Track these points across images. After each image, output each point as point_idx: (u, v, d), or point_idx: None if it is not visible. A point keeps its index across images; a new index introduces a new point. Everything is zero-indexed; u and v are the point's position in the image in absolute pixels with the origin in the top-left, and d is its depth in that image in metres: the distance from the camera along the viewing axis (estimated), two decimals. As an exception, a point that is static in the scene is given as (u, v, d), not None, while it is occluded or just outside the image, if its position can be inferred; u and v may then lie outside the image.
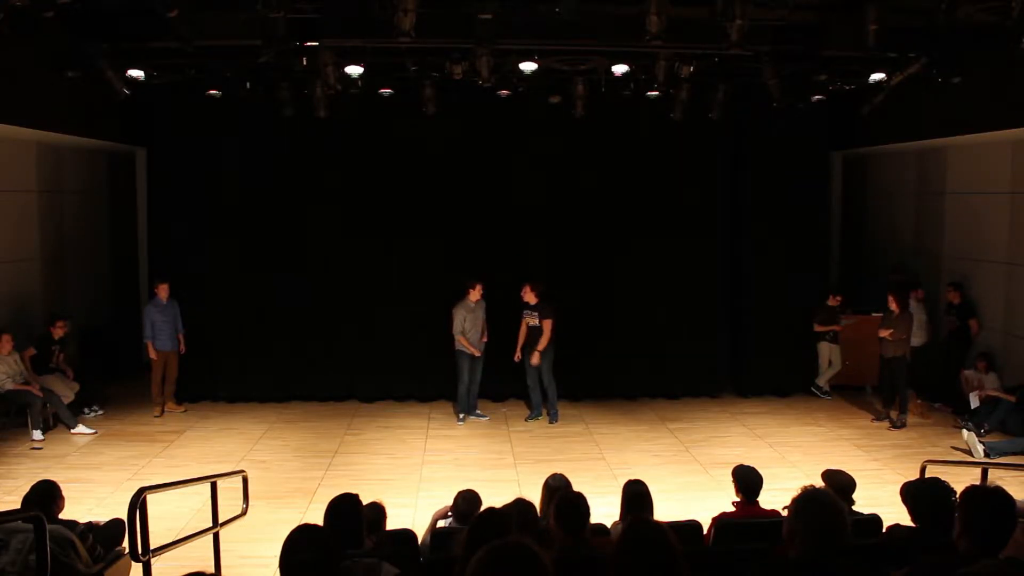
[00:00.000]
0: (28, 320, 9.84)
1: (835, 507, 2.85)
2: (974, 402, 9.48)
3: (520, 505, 4.23)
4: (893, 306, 9.80)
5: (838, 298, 11.07)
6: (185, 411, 10.31)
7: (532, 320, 9.85)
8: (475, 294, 9.90)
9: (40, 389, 9.16)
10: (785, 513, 2.97)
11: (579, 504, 3.84)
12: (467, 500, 5.12)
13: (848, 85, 9.42)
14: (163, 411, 10.17)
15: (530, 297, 9.78)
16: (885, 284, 10.82)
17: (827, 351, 11.12)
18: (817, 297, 11.18)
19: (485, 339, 10.11)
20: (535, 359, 9.83)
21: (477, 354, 10.02)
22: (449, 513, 5.28)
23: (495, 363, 10.35)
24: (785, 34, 8.03)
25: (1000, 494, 3.14)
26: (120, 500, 6.58)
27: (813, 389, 11.25)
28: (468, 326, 9.91)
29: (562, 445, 9.26)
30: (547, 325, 9.76)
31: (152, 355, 10.01)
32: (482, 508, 4.43)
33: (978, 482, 5.09)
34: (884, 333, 9.77)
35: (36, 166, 10.36)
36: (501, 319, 10.20)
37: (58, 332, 9.62)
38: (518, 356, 10.02)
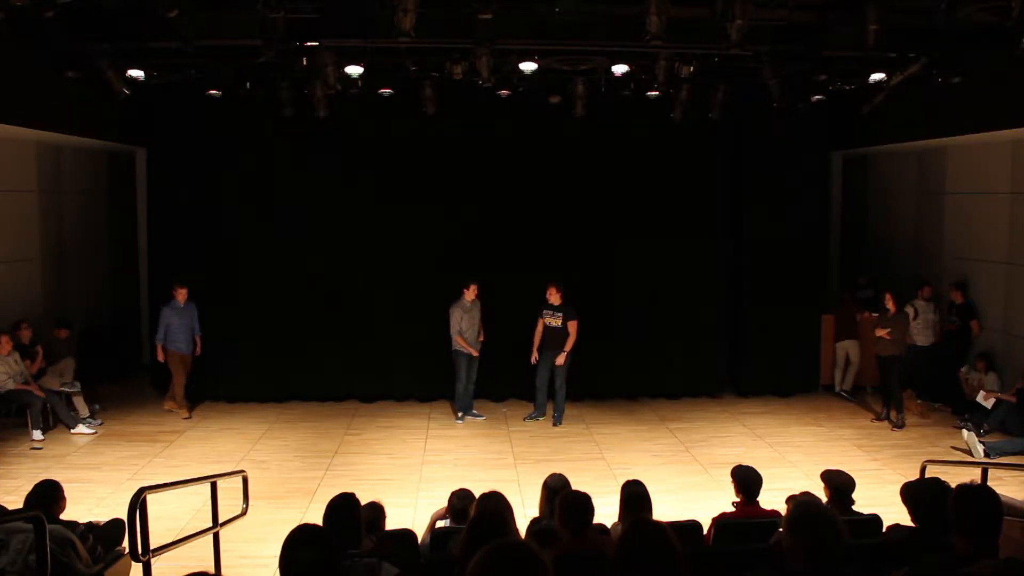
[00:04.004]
0: (28, 320, 9.80)
1: (829, 518, 2.86)
2: (987, 403, 9.38)
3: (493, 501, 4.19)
4: (890, 305, 9.82)
5: (846, 295, 11.18)
6: (189, 417, 10.20)
7: (554, 321, 9.83)
8: (470, 294, 9.90)
9: (40, 389, 9.16)
10: (781, 530, 2.98)
11: (583, 502, 3.85)
12: (461, 497, 5.13)
13: (848, 85, 9.41)
14: (190, 413, 10.15)
15: (554, 298, 9.76)
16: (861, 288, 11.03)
17: (856, 349, 11.14)
18: (823, 297, 11.27)
19: (482, 338, 10.12)
20: (561, 359, 9.81)
21: (475, 354, 10.02)
22: (447, 514, 5.28)
23: (495, 363, 10.37)
24: (785, 34, 8.02)
25: (982, 490, 3.18)
26: (120, 500, 6.59)
27: (843, 392, 11.25)
28: (465, 326, 9.91)
29: (562, 445, 9.26)
30: (572, 327, 9.76)
31: (160, 356, 9.99)
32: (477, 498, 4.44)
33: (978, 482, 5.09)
34: (881, 332, 9.78)
35: (36, 166, 10.36)
36: (500, 319, 10.22)
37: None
38: (535, 357, 10.00)
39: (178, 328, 9.98)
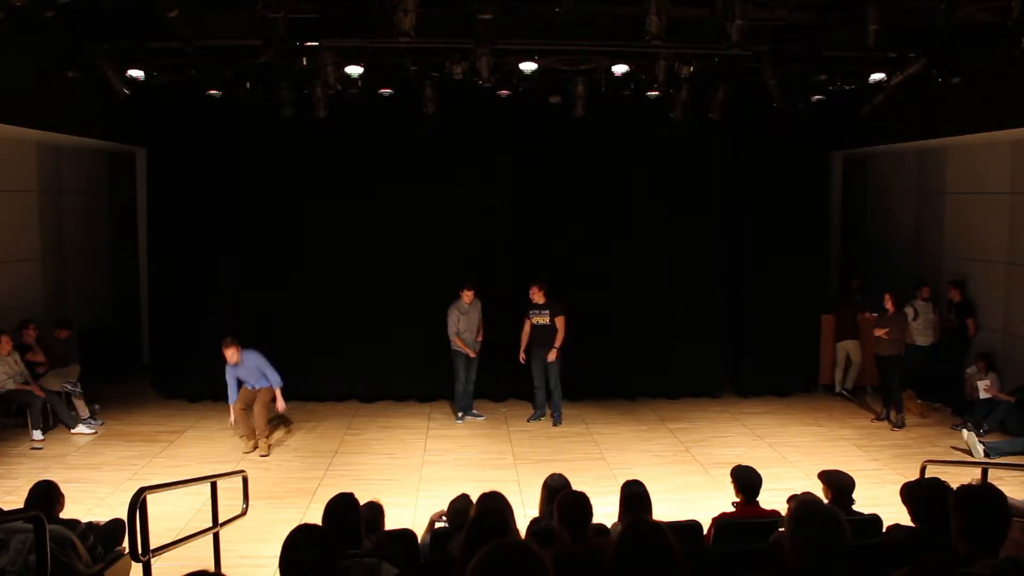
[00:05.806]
0: (35, 323, 9.78)
1: (833, 517, 2.85)
2: (984, 394, 9.40)
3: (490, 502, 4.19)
4: (889, 305, 9.82)
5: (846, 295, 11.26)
6: (267, 454, 8.83)
7: (541, 319, 9.83)
8: (468, 296, 9.91)
9: (40, 389, 9.16)
10: (783, 529, 2.96)
11: (582, 502, 3.85)
12: (458, 512, 5.10)
13: (848, 85, 9.42)
14: (265, 448, 8.85)
15: (538, 297, 9.78)
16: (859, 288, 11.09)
17: (857, 349, 11.15)
18: (823, 297, 11.29)
19: (481, 338, 10.14)
20: (552, 356, 9.82)
21: (472, 355, 10.03)
22: (445, 516, 5.28)
23: (495, 363, 10.36)
24: (785, 34, 8.03)
25: (991, 492, 3.13)
26: (120, 500, 6.59)
27: (844, 392, 11.24)
28: (463, 327, 9.92)
29: (562, 445, 9.26)
30: (560, 322, 9.77)
31: (231, 420, 8.81)
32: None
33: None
34: (880, 332, 9.78)
35: (36, 166, 10.36)
36: (500, 319, 10.21)
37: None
38: (523, 358, 10.03)
39: (246, 375, 8.85)
